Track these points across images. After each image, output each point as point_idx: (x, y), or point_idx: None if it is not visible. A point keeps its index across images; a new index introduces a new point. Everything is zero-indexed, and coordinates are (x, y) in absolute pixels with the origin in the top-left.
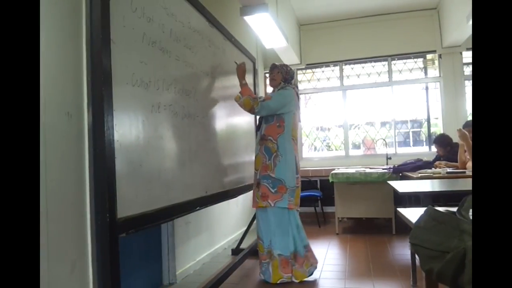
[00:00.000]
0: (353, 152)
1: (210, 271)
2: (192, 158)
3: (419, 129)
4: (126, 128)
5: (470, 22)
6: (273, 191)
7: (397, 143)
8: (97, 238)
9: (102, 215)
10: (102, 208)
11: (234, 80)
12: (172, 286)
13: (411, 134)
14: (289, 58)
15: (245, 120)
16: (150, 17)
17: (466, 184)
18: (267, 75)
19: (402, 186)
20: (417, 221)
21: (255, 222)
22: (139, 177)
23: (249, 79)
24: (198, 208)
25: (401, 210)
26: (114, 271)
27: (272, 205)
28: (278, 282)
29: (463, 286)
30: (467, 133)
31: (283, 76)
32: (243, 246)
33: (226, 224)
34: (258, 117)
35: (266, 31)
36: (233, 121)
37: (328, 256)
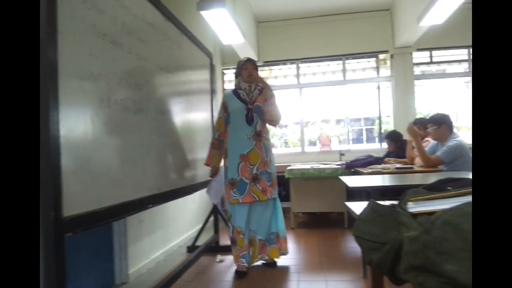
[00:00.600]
0: (309, 149)
1: (164, 269)
2: (144, 154)
3: (372, 127)
4: (73, 123)
5: (421, 24)
6: (268, 184)
7: (351, 140)
8: (42, 237)
9: (46, 213)
10: (47, 206)
11: (191, 76)
12: (125, 285)
13: (364, 131)
14: (247, 54)
15: (201, 117)
16: (101, 9)
17: (413, 179)
18: (225, 71)
19: (352, 181)
20: (360, 214)
21: (211, 218)
22: (87, 174)
23: (205, 75)
24: (150, 206)
25: (349, 204)
26: (59, 271)
27: (270, 197)
28: (254, 263)
29: (399, 276)
30: (416, 128)
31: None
32: (199, 243)
33: (182, 222)
34: (248, 110)
35: (223, 27)
36: (189, 117)
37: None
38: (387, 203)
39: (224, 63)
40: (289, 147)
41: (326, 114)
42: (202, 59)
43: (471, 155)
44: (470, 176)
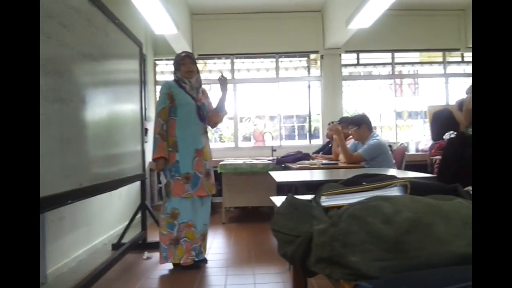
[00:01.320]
0: (243, 144)
1: (86, 268)
2: (63, 147)
3: (303, 124)
4: None
5: (349, 27)
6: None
7: (284, 136)
8: None
9: None
10: None
11: (119, 65)
12: (42, 286)
13: (296, 128)
14: (181, 46)
15: (129, 108)
16: None
17: (336, 174)
18: (157, 62)
19: (280, 176)
20: (278, 208)
21: (139, 215)
22: None
23: (134, 64)
24: (69, 201)
25: (273, 198)
26: None
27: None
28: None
29: (309, 268)
30: (339, 127)
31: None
32: (125, 240)
33: (107, 218)
34: (198, 107)
35: (155, 16)
36: (116, 108)
37: (213, 246)
38: (309, 197)
39: (157, 53)
40: (224, 142)
41: (260, 110)
42: (131, 48)
43: (390, 152)
44: (389, 172)
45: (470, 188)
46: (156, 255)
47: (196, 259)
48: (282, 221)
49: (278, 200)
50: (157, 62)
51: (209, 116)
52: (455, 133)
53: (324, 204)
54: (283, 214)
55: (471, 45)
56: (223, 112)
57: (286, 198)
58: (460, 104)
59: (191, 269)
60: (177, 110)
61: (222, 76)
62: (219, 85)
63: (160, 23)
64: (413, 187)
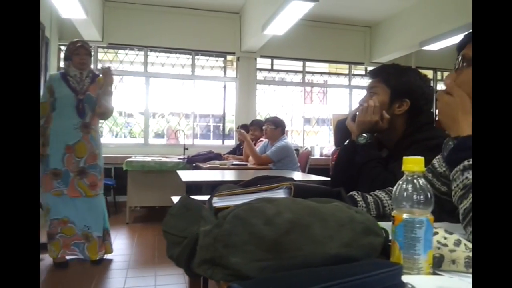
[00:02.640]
0: (155, 141)
1: None
2: None
3: (219, 124)
4: None
5: (264, 32)
6: (99, 178)
7: (198, 135)
8: None
9: None
10: None
11: None
12: None
13: (212, 127)
14: (89, 33)
15: None
16: None
17: (246, 175)
18: (63, 47)
19: (187, 175)
20: (171, 209)
21: None
22: None
23: None
24: None
25: (174, 198)
26: None
27: (99, 192)
28: (98, 258)
29: (194, 270)
30: (244, 133)
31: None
32: None
33: None
34: (79, 100)
35: None
36: None
37: (113, 247)
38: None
39: (62, 38)
40: (135, 137)
41: (175, 107)
42: None
43: (295, 156)
44: (291, 175)
45: (354, 192)
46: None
47: (81, 256)
48: (173, 222)
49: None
50: (62, 47)
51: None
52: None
53: (215, 205)
54: (175, 215)
55: (374, 60)
56: (104, 105)
57: (180, 199)
58: (354, 115)
59: (61, 267)
60: (57, 103)
61: (103, 67)
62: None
63: (67, 6)
64: (297, 189)
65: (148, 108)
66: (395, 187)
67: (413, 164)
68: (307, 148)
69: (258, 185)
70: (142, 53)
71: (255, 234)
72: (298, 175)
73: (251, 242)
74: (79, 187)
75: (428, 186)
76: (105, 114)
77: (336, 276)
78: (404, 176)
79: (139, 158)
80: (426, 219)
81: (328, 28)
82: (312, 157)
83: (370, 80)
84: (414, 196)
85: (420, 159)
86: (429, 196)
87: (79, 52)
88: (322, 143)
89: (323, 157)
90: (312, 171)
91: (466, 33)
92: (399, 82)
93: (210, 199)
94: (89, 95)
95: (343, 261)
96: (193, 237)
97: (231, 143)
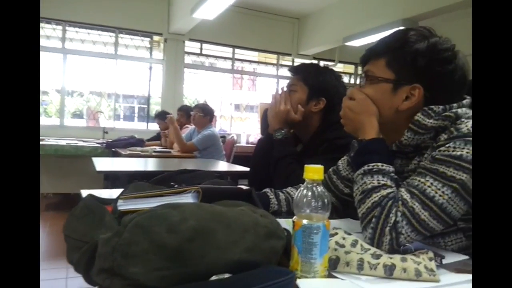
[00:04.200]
0: (72, 122)
1: None
2: None
3: (144, 106)
4: None
5: (193, 15)
6: None
7: (122, 117)
8: None
9: None
10: None
11: None
12: None
13: (136, 109)
14: None
15: None
16: None
17: (171, 164)
18: None
19: (103, 164)
20: (73, 209)
21: None
22: None
23: None
24: None
25: (83, 192)
26: None
27: None
28: None
29: (92, 277)
30: (173, 117)
31: None
32: None
33: None
34: None
35: None
36: None
37: None
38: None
39: None
40: (50, 117)
41: (95, 86)
42: None
43: (221, 144)
44: (217, 164)
45: (268, 189)
46: None
47: None
48: (75, 225)
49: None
50: None
51: None
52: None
53: (120, 208)
54: (77, 217)
55: (301, 52)
56: None
57: (83, 199)
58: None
59: None
60: None
61: None
62: None
63: None
64: (205, 194)
65: (65, 86)
66: (296, 193)
67: (313, 172)
68: (232, 136)
69: (172, 183)
70: (60, 27)
71: (156, 242)
72: (222, 165)
73: (151, 251)
74: None
75: (326, 193)
76: None
77: None
78: (305, 183)
79: (53, 141)
80: (323, 225)
81: (259, 16)
82: (238, 145)
83: (290, 77)
84: (313, 203)
85: (319, 168)
86: (326, 202)
87: None
88: (250, 130)
89: (249, 145)
90: (237, 158)
91: (368, 48)
92: (316, 81)
93: (115, 201)
94: None
95: (245, 266)
96: (93, 244)
97: (156, 127)
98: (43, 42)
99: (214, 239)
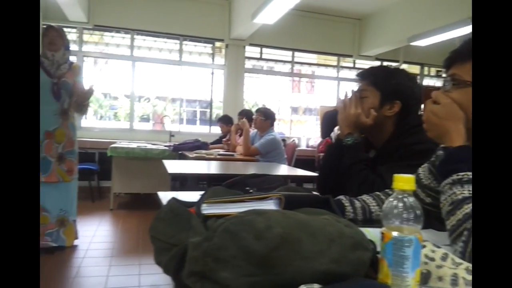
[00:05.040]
0: (140, 126)
1: None
2: None
3: (206, 109)
4: None
5: (254, 20)
6: (75, 163)
7: (184, 121)
8: None
9: None
10: None
11: None
12: None
13: (198, 113)
14: (75, 14)
15: None
16: None
17: (234, 167)
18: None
19: (174, 166)
20: (158, 212)
21: None
22: None
23: None
24: None
25: (160, 194)
26: None
27: (75, 177)
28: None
29: (183, 280)
30: (246, 121)
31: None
32: None
33: None
34: (53, 84)
35: None
36: None
37: (97, 234)
38: (197, 194)
39: (47, 18)
40: (119, 120)
41: (161, 91)
42: None
43: (283, 148)
44: (279, 169)
45: (342, 197)
46: None
47: (55, 245)
48: (161, 227)
49: (165, 196)
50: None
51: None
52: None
53: (204, 212)
54: (163, 220)
55: (363, 53)
56: (77, 108)
57: (168, 202)
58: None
59: (46, 252)
60: None
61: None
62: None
63: None
64: (287, 201)
65: (134, 92)
66: (385, 203)
67: (404, 182)
68: (293, 140)
69: (247, 188)
70: (128, 36)
71: (245, 248)
72: (284, 169)
73: (241, 257)
74: (58, 173)
75: (419, 204)
76: (82, 111)
77: None
78: (395, 193)
79: (124, 144)
80: (415, 238)
81: (319, 19)
82: (298, 148)
83: (359, 84)
84: (404, 215)
85: (411, 178)
86: (418, 214)
87: (47, 33)
88: (309, 134)
89: (310, 148)
90: (298, 162)
91: (452, 50)
92: (388, 84)
93: (198, 204)
94: (66, 81)
95: (332, 277)
96: (182, 248)
97: (219, 130)
98: (113, 50)
99: (300, 248)
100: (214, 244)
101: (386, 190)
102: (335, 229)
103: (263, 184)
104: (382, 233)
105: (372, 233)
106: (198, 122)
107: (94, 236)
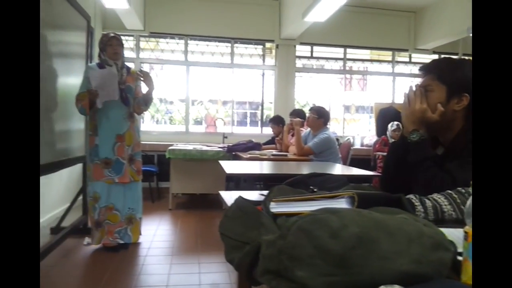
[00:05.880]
0: (194, 128)
1: None
2: None
3: (255, 111)
4: None
5: (305, 19)
6: (141, 163)
7: (235, 123)
8: None
9: None
10: None
11: (67, 36)
12: None
13: (248, 114)
14: (132, 22)
15: (75, 82)
16: None
17: (288, 167)
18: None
19: (230, 167)
20: (226, 211)
21: (80, 198)
22: None
23: (80, 37)
24: None
25: (223, 194)
26: None
27: (141, 177)
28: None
29: (256, 277)
30: (299, 120)
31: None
32: (64, 224)
33: (46, 200)
34: (121, 90)
35: None
36: (59, 82)
37: (158, 233)
38: (257, 193)
39: (106, 27)
40: (175, 124)
41: (213, 94)
42: (77, 20)
43: (337, 147)
44: (335, 168)
45: (412, 196)
46: None
47: (122, 241)
48: (230, 225)
49: (227, 196)
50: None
51: (134, 103)
52: (397, 123)
53: (273, 210)
54: (232, 218)
55: (419, 47)
56: (143, 106)
57: (235, 201)
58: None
59: (112, 250)
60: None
61: (142, 70)
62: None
63: None
64: (360, 199)
65: (189, 96)
66: (468, 201)
67: None
68: (348, 138)
69: (311, 187)
70: (182, 41)
71: (320, 247)
72: (339, 168)
73: (317, 256)
74: (129, 174)
75: None
76: (144, 110)
77: None
78: None
79: (181, 146)
80: None
81: (371, 13)
82: (353, 147)
83: (422, 78)
84: None
85: None
86: None
87: (112, 43)
88: (363, 132)
89: (364, 147)
90: (353, 161)
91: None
92: (454, 77)
93: (265, 202)
94: (129, 86)
95: (413, 278)
96: (255, 245)
97: (270, 131)
98: (168, 56)
99: (378, 248)
100: (288, 242)
101: (458, 188)
102: (413, 228)
103: (325, 183)
104: (465, 232)
105: (446, 233)
106: (248, 123)
107: (155, 235)
